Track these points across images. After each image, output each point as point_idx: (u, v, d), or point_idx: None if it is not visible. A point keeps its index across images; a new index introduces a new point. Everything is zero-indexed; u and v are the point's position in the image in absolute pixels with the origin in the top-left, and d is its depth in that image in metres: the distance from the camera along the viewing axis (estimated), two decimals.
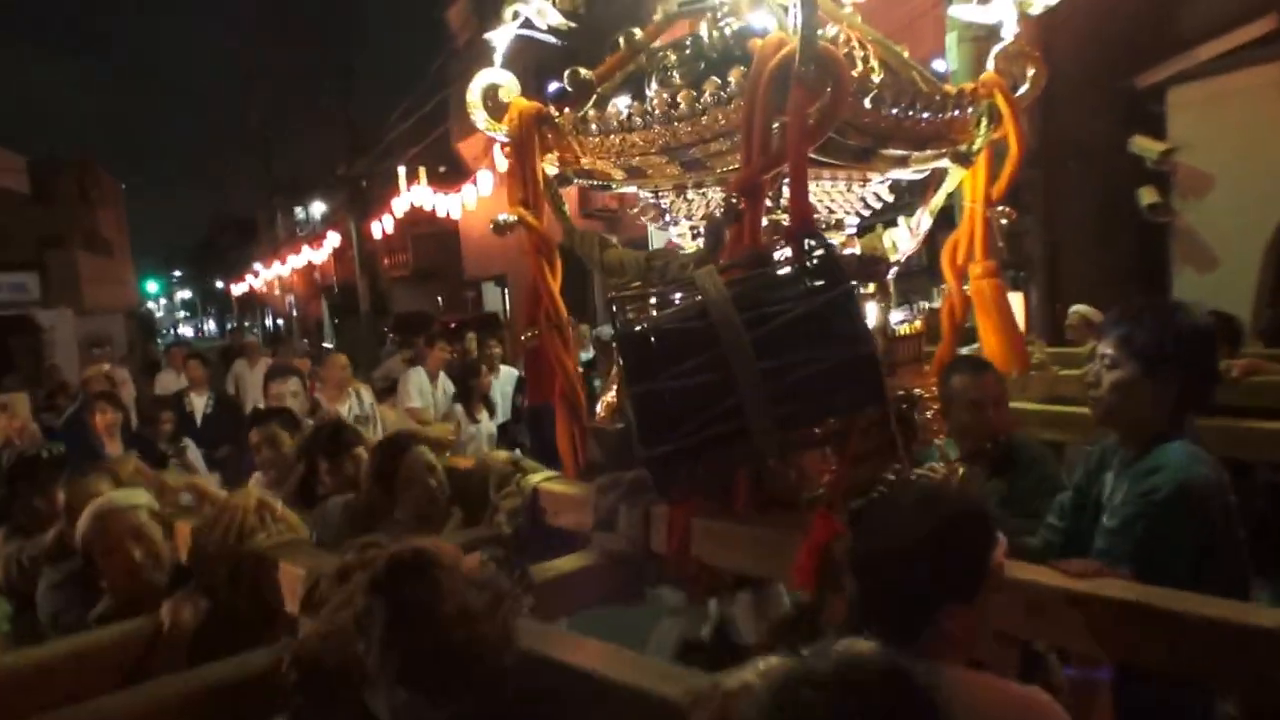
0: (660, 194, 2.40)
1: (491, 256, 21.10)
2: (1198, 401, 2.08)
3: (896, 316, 2.51)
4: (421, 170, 22.60)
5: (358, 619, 1.53)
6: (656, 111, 2.20)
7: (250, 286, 43.46)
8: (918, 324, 2.50)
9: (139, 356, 19.17)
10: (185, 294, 75.27)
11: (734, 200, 2.04)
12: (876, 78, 2.24)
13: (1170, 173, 7.54)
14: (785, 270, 1.97)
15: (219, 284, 58.54)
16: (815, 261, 1.95)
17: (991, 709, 1.45)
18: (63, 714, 1.78)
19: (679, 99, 2.16)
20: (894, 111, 2.21)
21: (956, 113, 2.38)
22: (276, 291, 42.63)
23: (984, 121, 2.45)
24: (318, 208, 33.48)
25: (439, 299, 27.85)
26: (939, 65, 2.47)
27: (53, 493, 3.21)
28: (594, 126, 2.26)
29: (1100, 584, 1.67)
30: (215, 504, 2.53)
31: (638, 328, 1.94)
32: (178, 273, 73.19)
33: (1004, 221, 2.52)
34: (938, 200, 2.58)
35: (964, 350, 2.89)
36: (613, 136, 2.25)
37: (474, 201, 18.25)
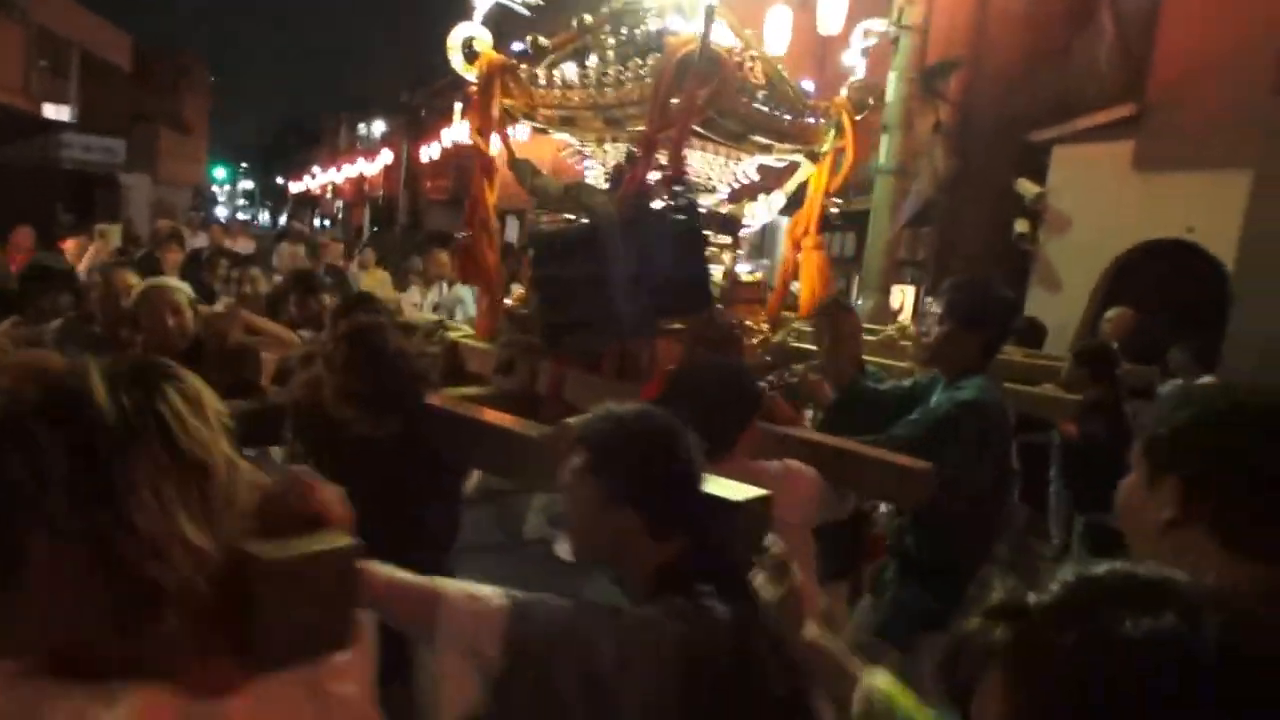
0: (584, 143, 2.72)
1: (515, 193, 21.10)
2: (997, 349, 2.41)
3: (745, 267, 2.86)
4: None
5: (330, 359, 1.91)
6: (592, 78, 2.49)
7: (306, 187, 42.95)
8: (758, 275, 2.84)
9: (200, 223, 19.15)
10: (248, 184, 73.83)
11: (634, 151, 2.35)
12: (758, 81, 2.54)
13: (1042, 211, 7.90)
14: (659, 204, 2.29)
15: (279, 180, 57.57)
16: (680, 202, 2.27)
17: (763, 476, 1.85)
18: None
19: (609, 71, 2.46)
20: (764, 108, 2.51)
21: (811, 120, 2.69)
22: (328, 195, 42.18)
23: (832, 132, 2.77)
24: (378, 126, 32.89)
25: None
26: (807, 85, 2.77)
27: (56, 298, 3.34)
28: (543, 81, 2.56)
29: (828, 437, 2.06)
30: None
31: (545, 230, 2.26)
32: (244, 165, 71.76)
33: (833, 209, 2.85)
34: (790, 186, 2.91)
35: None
36: (556, 91, 2.55)
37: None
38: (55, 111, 16.07)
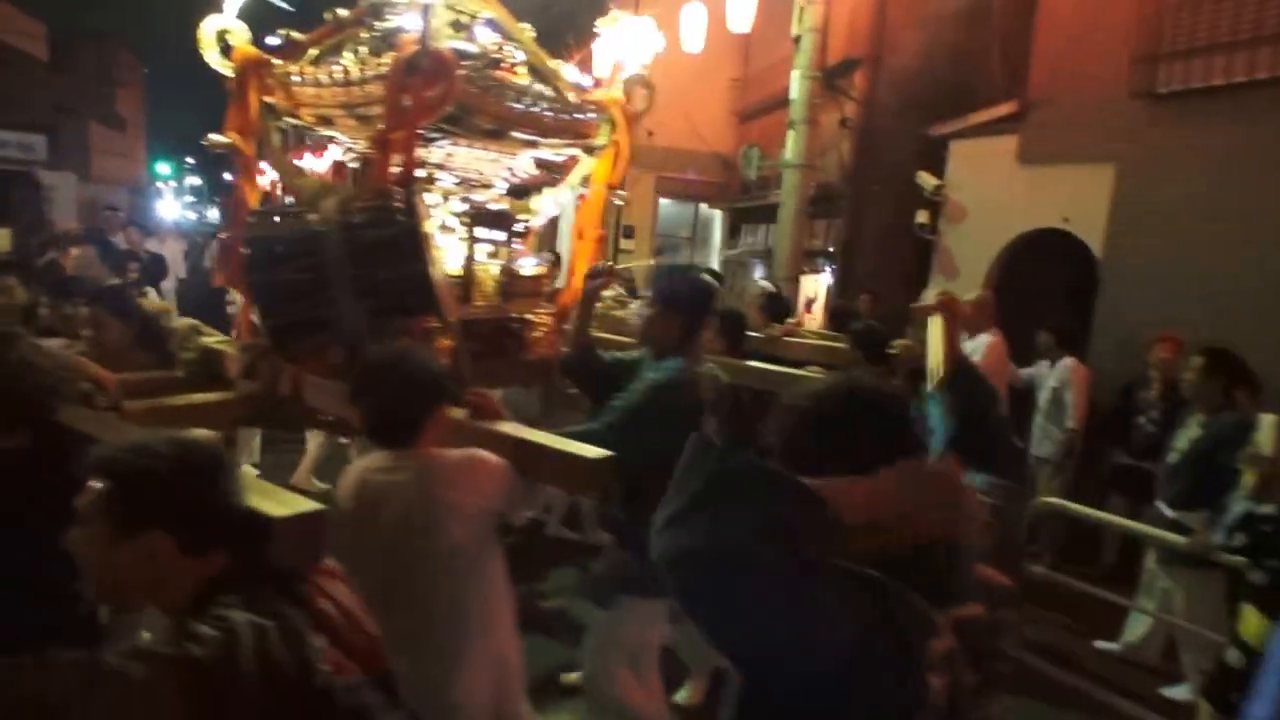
0: (347, 140, 2.74)
1: None
2: (697, 331, 2.47)
3: (530, 261, 2.89)
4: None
5: None
6: (341, 76, 2.51)
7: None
8: (543, 268, 2.88)
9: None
10: (196, 180, 71.93)
11: (369, 151, 2.37)
12: (516, 79, 2.57)
13: (941, 202, 8.07)
14: (384, 205, 2.31)
15: (227, 176, 56.18)
16: (402, 203, 2.29)
17: (445, 463, 1.88)
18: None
19: (355, 69, 2.47)
20: (518, 106, 2.54)
21: (581, 116, 2.73)
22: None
23: (606, 127, 2.81)
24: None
25: None
26: (587, 80, 2.82)
27: None
28: (298, 78, 2.56)
29: (511, 427, 2.11)
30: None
31: (260, 235, 2.27)
32: (191, 160, 69.96)
33: (617, 201, 2.90)
34: (573, 179, 2.96)
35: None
36: (310, 90, 2.56)
37: None
38: None
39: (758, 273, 10.41)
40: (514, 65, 2.61)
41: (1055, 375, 5.72)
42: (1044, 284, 7.27)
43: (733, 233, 11.45)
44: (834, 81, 8.16)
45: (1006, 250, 7.61)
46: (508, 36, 2.64)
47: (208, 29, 2.56)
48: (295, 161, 2.74)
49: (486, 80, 2.44)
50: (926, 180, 8.00)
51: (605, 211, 2.90)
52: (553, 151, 2.81)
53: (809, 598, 0.96)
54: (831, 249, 8.75)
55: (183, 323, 2.75)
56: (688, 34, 8.43)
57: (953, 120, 7.95)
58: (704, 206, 12.43)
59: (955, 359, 1.49)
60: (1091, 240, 6.78)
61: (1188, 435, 4.03)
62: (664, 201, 12.28)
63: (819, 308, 9.26)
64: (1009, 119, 7.41)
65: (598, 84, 2.96)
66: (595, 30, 2.84)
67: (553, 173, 2.97)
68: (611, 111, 2.78)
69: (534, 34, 2.73)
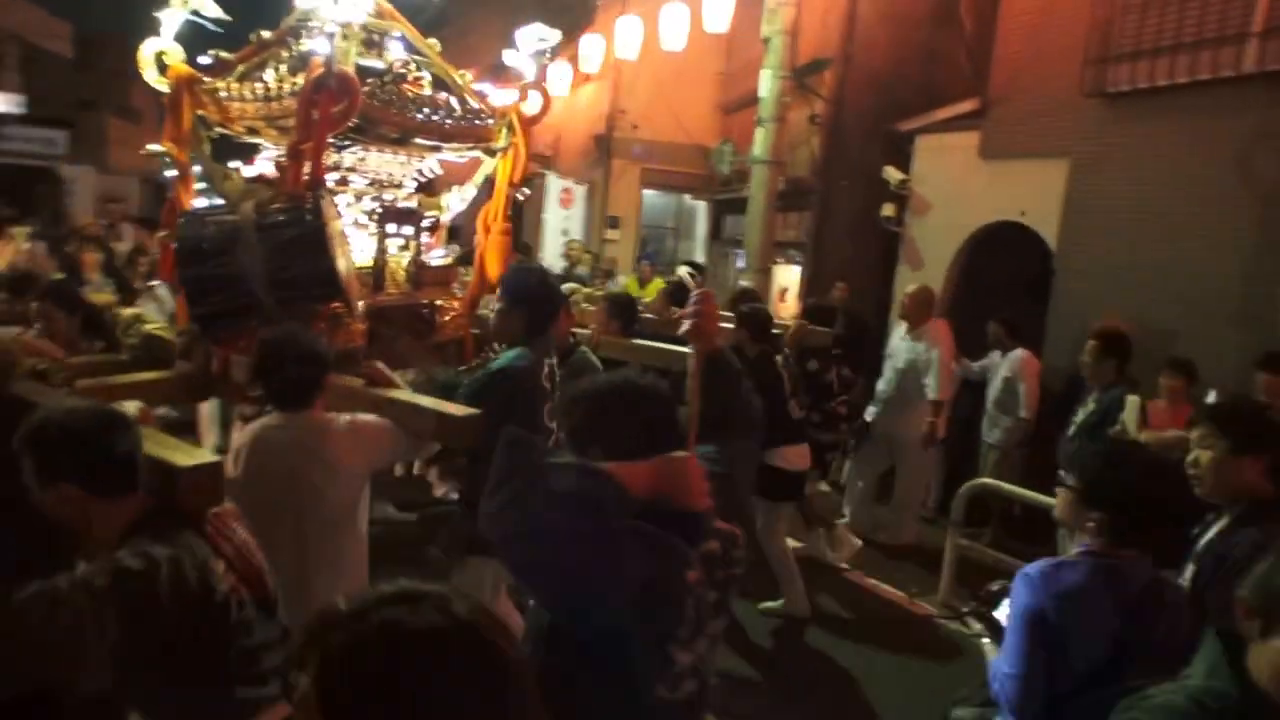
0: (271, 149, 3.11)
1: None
2: (542, 325, 2.80)
3: (438, 253, 3.26)
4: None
5: None
6: (261, 92, 2.87)
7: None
8: (449, 259, 3.24)
9: (145, 213, 19.31)
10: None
11: (281, 159, 2.73)
12: (418, 92, 2.92)
13: (907, 195, 8.32)
14: (294, 207, 2.68)
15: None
16: (309, 204, 2.66)
17: (332, 426, 2.25)
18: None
19: (274, 86, 2.84)
20: (418, 116, 2.89)
21: (479, 122, 3.08)
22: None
23: (505, 131, 3.17)
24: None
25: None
26: (487, 88, 3.19)
27: None
28: (225, 94, 2.94)
29: (398, 393, 2.47)
30: None
31: (188, 234, 2.64)
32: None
33: (520, 197, 3.25)
34: (477, 178, 3.31)
35: None
36: (236, 104, 2.93)
37: None
38: (4, 103, 16.24)
39: (739, 263, 10.70)
40: (418, 78, 2.96)
41: (1006, 365, 5.99)
42: (1004, 275, 7.52)
43: (716, 224, 11.74)
44: (804, 80, 8.43)
45: (968, 242, 7.86)
46: (415, 51, 3.00)
47: (146, 50, 2.94)
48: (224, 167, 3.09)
49: (389, 94, 2.79)
50: (892, 174, 8.26)
51: (508, 206, 3.26)
52: (456, 154, 3.17)
53: (611, 555, 1.31)
54: (803, 241, 9.03)
55: (127, 312, 3.12)
56: (668, 32, 8.71)
57: (919, 116, 8.19)
58: (688, 198, 12.72)
59: (709, 345, 1.77)
60: (1046, 233, 7.02)
61: (1084, 409, 4.34)
62: (649, 193, 12.59)
63: (792, 296, 9.55)
64: (971, 115, 7.66)
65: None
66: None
67: (462, 173, 3.34)
68: (510, 117, 3.14)
69: (439, 48, 3.09)
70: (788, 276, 9.62)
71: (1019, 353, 6.03)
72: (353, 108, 2.67)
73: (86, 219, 11.68)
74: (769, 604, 4.16)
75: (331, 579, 2.26)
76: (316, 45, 2.81)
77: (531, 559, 1.33)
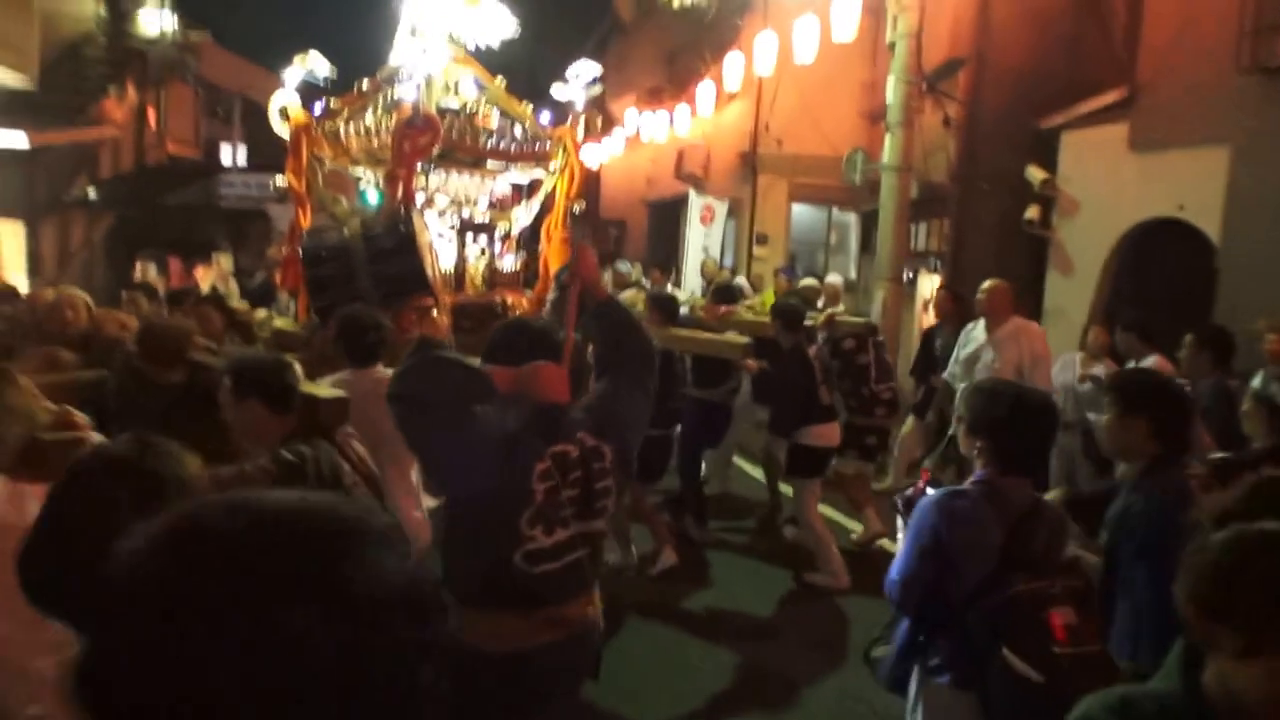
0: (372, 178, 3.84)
1: (617, 203, 22.40)
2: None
3: (510, 259, 3.85)
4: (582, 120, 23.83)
5: None
6: (364, 132, 3.61)
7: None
8: (518, 265, 3.83)
9: None
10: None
11: (388, 186, 3.44)
12: (487, 124, 3.55)
13: (1054, 196, 8.04)
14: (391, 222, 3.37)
15: None
16: (400, 221, 3.34)
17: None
18: None
19: (373, 127, 3.56)
20: (489, 144, 3.52)
21: (539, 145, 3.65)
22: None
23: (561, 152, 3.71)
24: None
25: (590, 234, 29.56)
26: (544, 118, 3.76)
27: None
28: (333, 135, 3.70)
29: None
30: None
31: (311, 245, 3.40)
32: None
33: (576, 210, 3.77)
34: (541, 194, 3.87)
35: None
36: (343, 141, 3.69)
37: (608, 155, 19.65)
38: (228, 155, 19.27)
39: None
40: (487, 114, 3.59)
41: None
42: (1163, 277, 7.08)
43: (866, 236, 11.74)
44: (934, 84, 8.41)
45: (1122, 242, 7.46)
46: (483, 89, 3.64)
47: (273, 103, 3.77)
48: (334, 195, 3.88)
49: (463, 127, 3.44)
50: (1035, 175, 8.00)
51: (567, 217, 3.79)
52: (521, 174, 3.76)
53: (461, 428, 1.83)
54: (938, 250, 8.92)
55: (260, 313, 3.97)
56: (801, 45, 8.99)
57: (1062, 112, 7.89)
58: (837, 210, 12.77)
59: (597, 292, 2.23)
60: (1208, 228, 6.57)
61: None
62: (799, 208, 12.76)
63: (932, 306, 9.40)
64: (1119, 105, 7.29)
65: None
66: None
67: (523, 192, 3.94)
68: (565, 140, 3.68)
69: (504, 84, 3.71)
70: (931, 287, 9.50)
71: (1153, 359, 5.71)
72: (435, 140, 3.33)
73: (273, 250, 13.73)
74: (813, 575, 4.43)
75: (395, 498, 2.90)
76: (404, 91, 3.50)
77: (402, 418, 1.89)
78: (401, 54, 3.51)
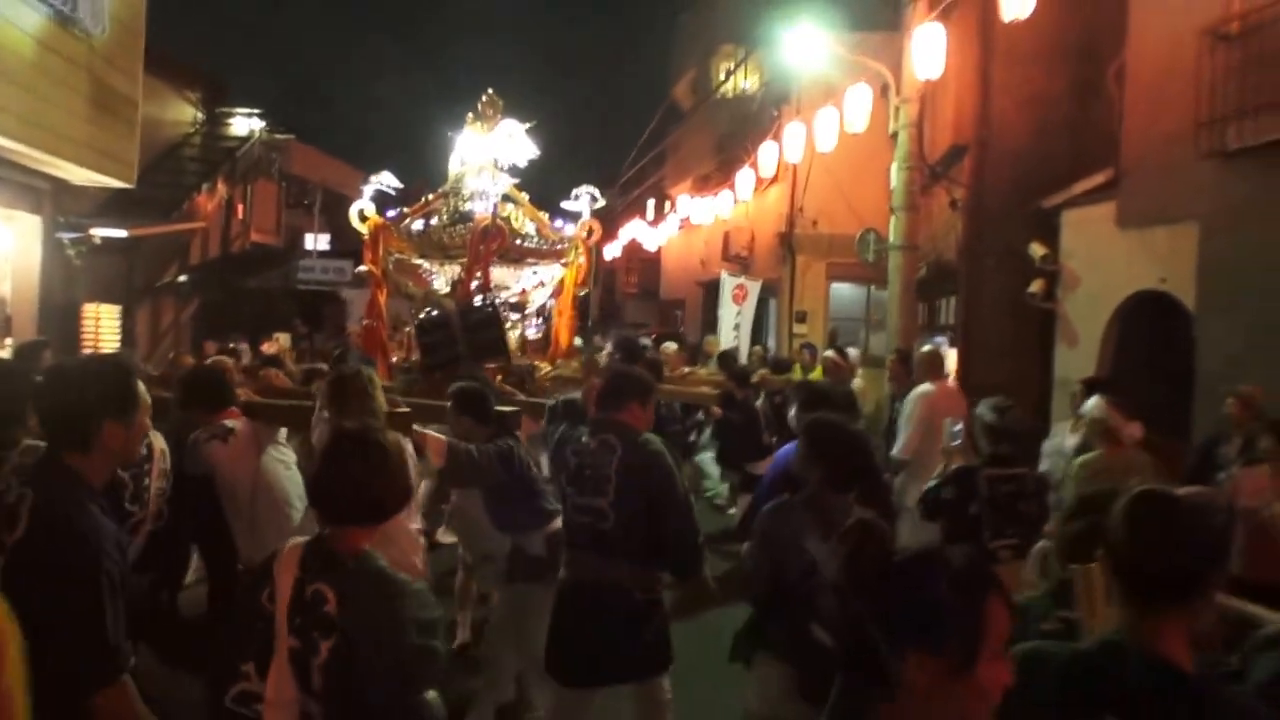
0: (433, 265, 5.32)
1: (677, 283, 23.94)
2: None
3: (533, 328, 5.26)
4: (650, 204, 25.86)
5: None
6: (433, 233, 5.10)
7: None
8: (540, 334, 5.22)
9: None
10: None
11: (464, 275, 4.92)
12: (526, 230, 5.01)
13: (1056, 271, 9.07)
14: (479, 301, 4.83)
15: None
16: (488, 302, 4.78)
17: None
18: None
19: (442, 228, 5.06)
20: (528, 245, 4.98)
21: (559, 246, 5.09)
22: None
23: (574, 252, 5.14)
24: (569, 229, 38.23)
25: (657, 313, 31.08)
26: (559, 223, 5.39)
27: None
28: (404, 234, 5.20)
29: None
30: None
31: (422, 317, 4.86)
32: None
33: (582, 293, 5.18)
34: (554, 283, 5.30)
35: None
36: (414, 239, 5.18)
37: (666, 238, 21.33)
38: (310, 241, 21.67)
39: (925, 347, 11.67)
40: (521, 223, 5.10)
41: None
42: (1151, 345, 7.98)
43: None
44: (939, 170, 9.64)
45: (1116, 314, 8.40)
46: (516, 202, 5.15)
47: (353, 209, 5.32)
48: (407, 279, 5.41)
49: (515, 234, 4.95)
50: (1036, 250, 9.07)
51: (576, 300, 5.24)
52: (546, 268, 5.24)
53: None
54: (949, 323, 9.98)
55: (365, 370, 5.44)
56: (821, 134, 10.36)
57: (1060, 192, 8.98)
58: (874, 288, 13.91)
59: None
60: (1186, 299, 7.48)
61: None
62: (838, 285, 13.97)
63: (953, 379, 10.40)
64: (1107, 185, 8.34)
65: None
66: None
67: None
68: (578, 242, 5.17)
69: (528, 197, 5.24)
70: (952, 359, 10.50)
71: (1133, 427, 6.41)
72: (503, 245, 4.82)
73: (353, 327, 15.61)
74: None
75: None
76: (475, 205, 5.04)
77: None
78: (473, 178, 5.06)
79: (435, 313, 4.91)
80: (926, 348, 6.71)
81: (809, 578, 2.73)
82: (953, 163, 9.86)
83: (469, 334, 4.75)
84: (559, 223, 5.51)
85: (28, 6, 6.88)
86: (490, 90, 5.26)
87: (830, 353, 8.29)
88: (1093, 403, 4.67)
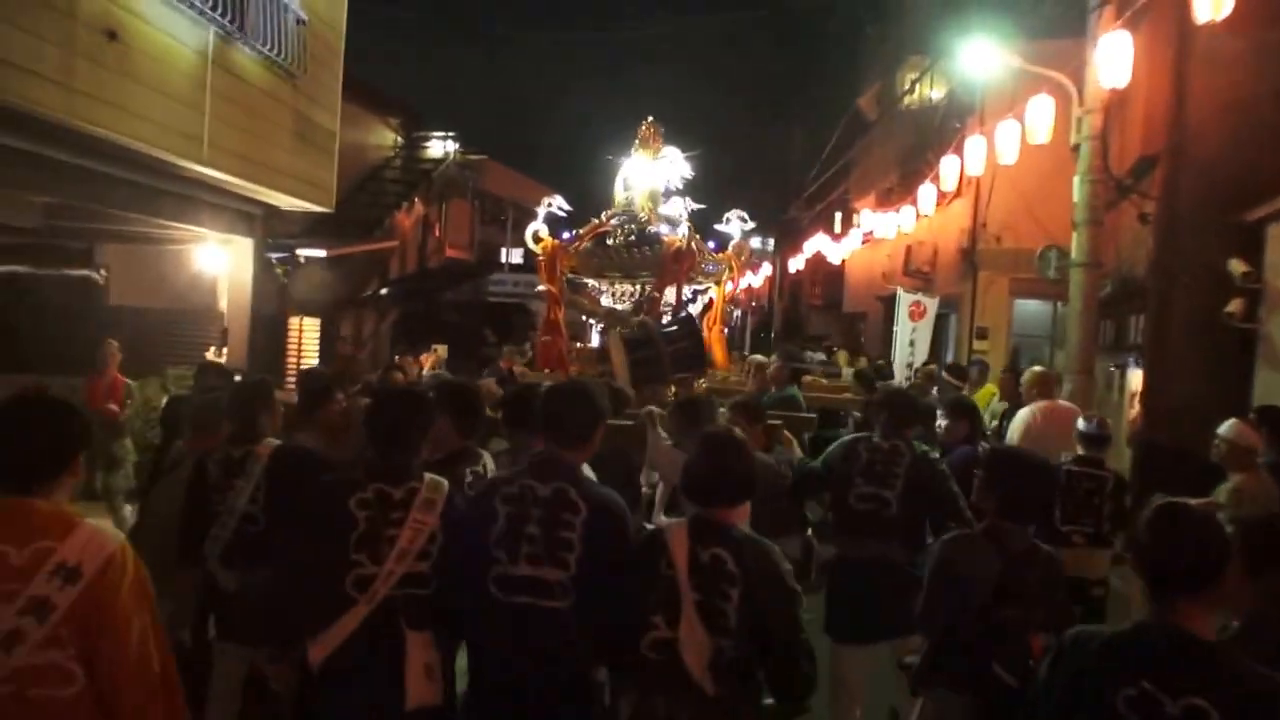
0: (604, 285, 6.32)
1: (859, 296, 24.02)
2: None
3: None
4: (837, 216, 26.28)
5: None
6: (609, 253, 6.12)
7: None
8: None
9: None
10: None
11: (655, 293, 5.94)
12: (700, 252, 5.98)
13: (1261, 289, 8.80)
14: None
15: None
16: (686, 316, 5.79)
17: None
18: None
19: (619, 248, 6.08)
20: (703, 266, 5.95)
21: (714, 268, 5.98)
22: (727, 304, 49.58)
23: (727, 270, 5.99)
24: (755, 241, 39.00)
25: (840, 326, 31.22)
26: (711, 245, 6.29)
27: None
28: (579, 253, 6.22)
29: None
30: None
31: (627, 334, 5.92)
32: None
33: (731, 309, 6.00)
34: (706, 298, 6.16)
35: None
36: (590, 259, 6.20)
37: (849, 251, 21.71)
38: (504, 255, 23.81)
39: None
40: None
41: None
42: None
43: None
44: (1128, 184, 9.61)
45: None
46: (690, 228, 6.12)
47: (528, 232, 6.39)
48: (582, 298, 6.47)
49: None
50: (1236, 268, 8.84)
51: (725, 315, 6.07)
52: (701, 284, 6.12)
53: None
54: (1138, 343, 9.88)
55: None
56: (1004, 146, 10.57)
57: (1267, 204, 8.70)
58: (1061, 305, 13.70)
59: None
60: None
61: None
62: (1022, 302, 13.88)
63: (1138, 400, 10.25)
64: None
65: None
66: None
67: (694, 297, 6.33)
68: (730, 262, 6.01)
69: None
70: (1138, 380, 10.36)
71: None
72: (694, 266, 5.77)
73: (509, 349, 17.25)
74: None
75: None
76: (662, 228, 6.03)
77: None
78: (669, 207, 6.03)
79: (639, 331, 5.88)
80: (1037, 367, 6.97)
81: (988, 611, 2.90)
82: (1143, 175, 9.80)
83: (671, 346, 5.65)
84: (711, 244, 6.42)
85: (245, 58, 8.25)
86: (650, 118, 6.24)
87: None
88: (1229, 424, 4.90)
